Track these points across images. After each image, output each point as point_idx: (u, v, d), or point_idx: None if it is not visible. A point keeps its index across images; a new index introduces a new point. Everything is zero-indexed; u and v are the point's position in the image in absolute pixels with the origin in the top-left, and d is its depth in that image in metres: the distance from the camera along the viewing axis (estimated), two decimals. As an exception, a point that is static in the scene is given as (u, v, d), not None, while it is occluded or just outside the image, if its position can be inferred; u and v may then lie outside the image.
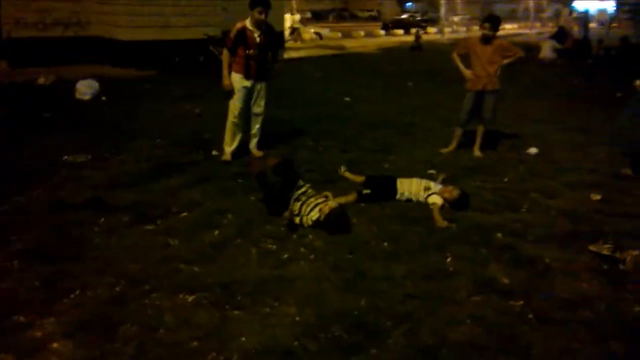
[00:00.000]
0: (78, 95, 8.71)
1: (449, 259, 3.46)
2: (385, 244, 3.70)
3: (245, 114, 5.67)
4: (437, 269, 3.34)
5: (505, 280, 3.19)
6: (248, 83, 5.50)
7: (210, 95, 9.46)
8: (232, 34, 5.32)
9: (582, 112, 8.62)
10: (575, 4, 65.08)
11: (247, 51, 5.35)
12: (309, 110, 8.39)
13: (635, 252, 3.32)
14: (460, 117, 5.93)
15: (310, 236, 3.81)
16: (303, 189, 4.20)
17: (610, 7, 63.67)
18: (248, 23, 5.34)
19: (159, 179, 5.00)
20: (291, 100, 9.25)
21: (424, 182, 4.51)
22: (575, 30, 23.63)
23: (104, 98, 8.88)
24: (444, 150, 6.04)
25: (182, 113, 8.06)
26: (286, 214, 4.10)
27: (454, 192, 4.32)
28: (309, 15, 62.16)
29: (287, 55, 16.86)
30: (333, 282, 3.15)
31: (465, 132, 6.02)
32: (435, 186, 4.46)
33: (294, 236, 3.81)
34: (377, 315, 2.78)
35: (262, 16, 5.26)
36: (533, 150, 6.04)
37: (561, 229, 3.94)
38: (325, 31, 28.54)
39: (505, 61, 5.65)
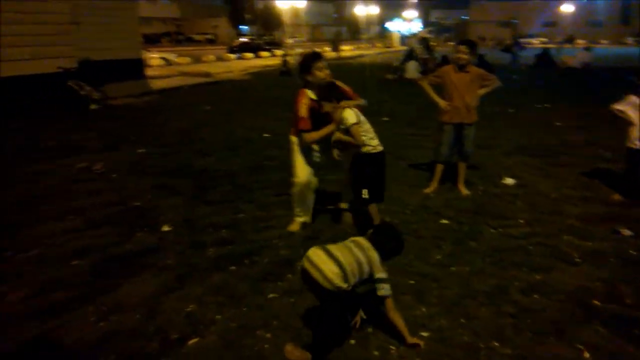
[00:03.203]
0: None
1: (587, 355, 2.78)
2: (496, 343, 2.88)
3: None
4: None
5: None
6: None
7: (95, 145, 7.67)
8: (306, 113, 3.98)
9: (495, 131, 8.77)
10: (387, 25, 72.39)
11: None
12: (237, 155, 7.16)
13: None
14: (441, 151, 5.37)
15: None
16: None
17: (417, 28, 72.33)
18: (309, 92, 4.05)
19: (118, 285, 3.48)
20: (206, 143, 7.90)
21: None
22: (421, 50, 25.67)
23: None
24: (428, 191, 5.45)
25: (75, 173, 6.20)
26: None
27: None
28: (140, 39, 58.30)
29: (155, 85, 15.03)
30: None
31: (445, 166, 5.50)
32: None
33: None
34: None
35: (326, 72, 3.99)
36: (510, 181, 5.78)
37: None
38: (172, 56, 26.69)
39: (482, 91, 5.22)
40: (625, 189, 5.17)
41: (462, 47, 5.10)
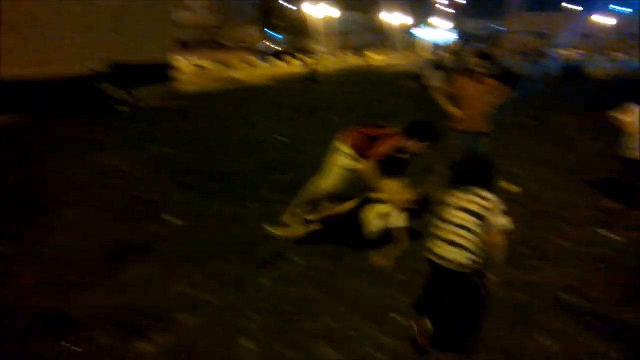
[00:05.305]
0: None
1: (548, 341, 2.96)
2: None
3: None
4: (547, 356, 2.84)
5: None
6: None
7: (120, 144, 8.12)
8: (387, 152, 3.98)
9: (511, 141, 8.82)
10: (418, 34, 71.93)
11: None
12: (251, 156, 7.50)
13: None
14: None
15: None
16: None
17: (450, 37, 71.49)
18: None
19: (122, 269, 3.82)
20: (223, 144, 8.28)
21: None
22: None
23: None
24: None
25: (98, 169, 6.62)
26: None
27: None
28: (176, 45, 59.71)
29: (183, 89, 15.63)
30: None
31: None
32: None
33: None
34: None
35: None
36: (514, 188, 5.90)
37: (615, 281, 3.69)
38: (203, 62, 27.50)
39: (496, 101, 5.41)
40: (621, 196, 5.25)
41: (479, 60, 5.33)
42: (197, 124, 10.16)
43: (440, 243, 2.69)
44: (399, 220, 3.94)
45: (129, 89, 12.09)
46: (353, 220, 4.34)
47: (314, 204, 4.51)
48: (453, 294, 2.70)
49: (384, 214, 3.99)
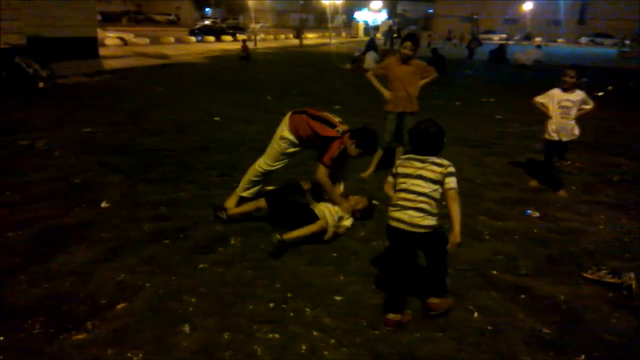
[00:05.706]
0: None
1: (475, 314, 3.15)
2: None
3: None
4: (474, 328, 3.01)
5: (548, 330, 3.02)
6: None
7: (40, 123, 7.61)
8: (335, 155, 4.17)
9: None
10: (354, 15, 72.24)
11: None
12: (184, 136, 7.27)
13: (632, 274, 3.48)
14: (384, 138, 5.68)
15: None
16: None
17: (383, 19, 72.19)
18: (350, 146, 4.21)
19: (52, 256, 3.61)
20: (154, 124, 7.96)
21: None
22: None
23: None
24: (364, 175, 5.76)
25: (16, 150, 6.17)
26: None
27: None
28: (98, 17, 55.97)
29: (108, 64, 14.77)
30: None
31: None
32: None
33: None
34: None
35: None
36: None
37: (540, 257, 3.97)
38: (129, 36, 26.09)
39: (422, 82, 5.59)
40: (541, 176, 5.64)
41: (407, 43, 5.43)
42: (124, 102, 9.70)
43: (405, 211, 2.93)
44: (349, 221, 4.34)
45: (48, 63, 11.27)
46: (293, 201, 4.45)
47: (255, 184, 4.56)
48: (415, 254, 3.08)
49: (337, 216, 4.22)
